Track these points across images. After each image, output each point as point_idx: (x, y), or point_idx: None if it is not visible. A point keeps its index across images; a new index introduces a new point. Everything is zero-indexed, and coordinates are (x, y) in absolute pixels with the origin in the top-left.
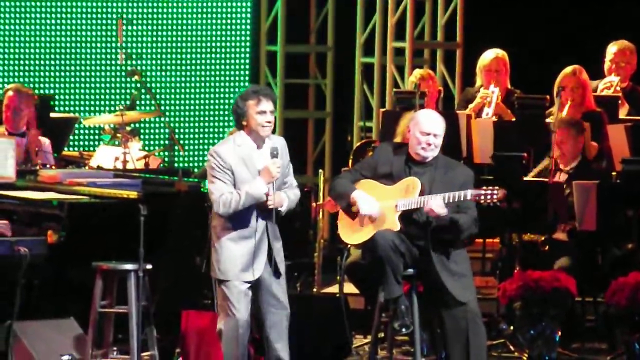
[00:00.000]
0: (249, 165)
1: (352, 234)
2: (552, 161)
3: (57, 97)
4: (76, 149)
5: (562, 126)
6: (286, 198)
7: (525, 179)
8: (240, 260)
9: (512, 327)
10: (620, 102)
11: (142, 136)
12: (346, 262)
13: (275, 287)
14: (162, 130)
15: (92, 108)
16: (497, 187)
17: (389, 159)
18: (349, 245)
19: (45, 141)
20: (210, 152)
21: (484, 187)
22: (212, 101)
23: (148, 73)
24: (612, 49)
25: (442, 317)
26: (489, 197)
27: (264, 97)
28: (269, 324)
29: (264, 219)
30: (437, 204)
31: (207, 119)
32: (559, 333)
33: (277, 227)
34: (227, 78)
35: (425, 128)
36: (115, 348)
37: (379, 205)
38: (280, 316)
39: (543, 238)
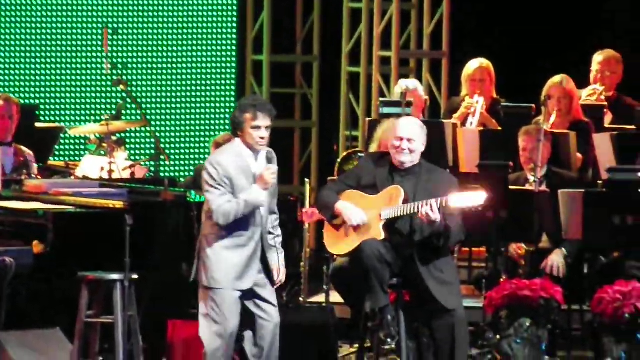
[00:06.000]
0: (247, 175)
1: (338, 244)
2: (537, 169)
3: (42, 106)
4: (62, 158)
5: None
6: (282, 265)
7: (511, 187)
8: (235, 268)
9: (498, 336)
10: (605, 111)
11: (127, 146)
12: (332, 268)
13: (266, 296)
14: (147, 140)
15: (78, 118)
16: (480, 192)
17: (372, 169)
18: (334, 256)
19: (29, 152)
20: (209, 161)
21: (467, 192)
22: (197, 111)
23: (134, 82)
24: (598, 58)
25: (430, 325)
26: (470, 201)
27: (261, 112)
28: (259, 335)
29: (259, 228)
30: (430, 210)
31: (192, 128)
32: (546, 342)
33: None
34: (213, 87)
35: (399, 132)
36: (101, 358)
37: (364, 213)
38: (270, 327)
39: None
